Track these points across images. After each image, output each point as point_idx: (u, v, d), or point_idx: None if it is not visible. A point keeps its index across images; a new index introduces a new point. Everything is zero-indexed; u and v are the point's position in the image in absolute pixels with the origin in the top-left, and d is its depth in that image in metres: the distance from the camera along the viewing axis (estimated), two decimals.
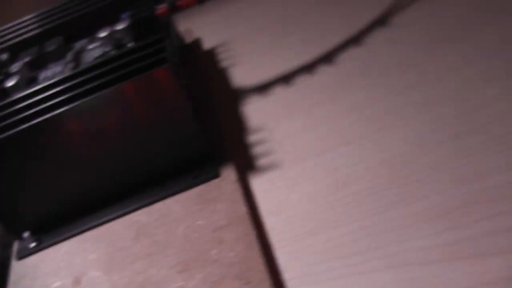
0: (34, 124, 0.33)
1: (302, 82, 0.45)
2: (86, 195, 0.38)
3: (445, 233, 0.31)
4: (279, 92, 0.45)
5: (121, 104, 0.34)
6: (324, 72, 0.45)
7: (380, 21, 0.48)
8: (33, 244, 0.37)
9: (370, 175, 0.35)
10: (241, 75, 0.48)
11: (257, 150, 0.40)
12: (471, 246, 0.30)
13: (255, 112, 0.43)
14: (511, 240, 0.29)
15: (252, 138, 0.41)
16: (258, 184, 0.37)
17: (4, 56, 0.43)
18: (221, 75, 0.49)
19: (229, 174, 0.37)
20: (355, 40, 0.47)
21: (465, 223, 0.31)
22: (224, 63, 0.51)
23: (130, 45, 0.39)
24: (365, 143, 0.38)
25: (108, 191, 0.38)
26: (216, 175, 0.37)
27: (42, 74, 0.40)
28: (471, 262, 0.29)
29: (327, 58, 0.46)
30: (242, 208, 0.35)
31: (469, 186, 0.33)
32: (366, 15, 0.49)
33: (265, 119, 0.42)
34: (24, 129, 0.33)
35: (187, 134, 0.36)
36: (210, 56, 0.53)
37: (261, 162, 0.39)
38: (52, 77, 0.37)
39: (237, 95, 0.46)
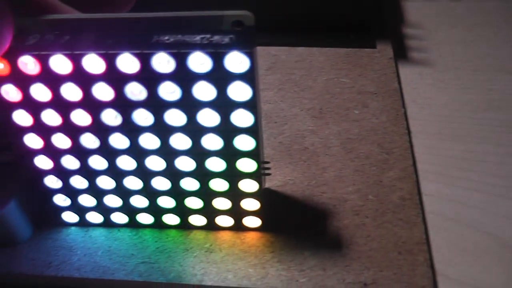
0: None
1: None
2: None
3: None
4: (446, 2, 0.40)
5: None
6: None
7: None
8: None
9: None
10: None
11: (412, 42, 0.36)
12: None
13: (417, 10, 0.39)
14: None
15: (408, 30, 0.37)
16: (407, 73, 0.33)
17: None
18: None
19: (385, 49, 0.33)
20: None
21: None
22: None
23: None
24: None
25: None
26: (372, 46, 0.33)
27: None
28: None
29: None
30: (393, 83, 0.31)
31: None
32: None
33: (425, 20, 0.38)
34: None
35: None
36: None
37: (414, 54, 0.35)
38: None
39: None
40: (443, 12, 0.39)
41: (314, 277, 0.23)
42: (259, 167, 0.22)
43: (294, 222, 0.25)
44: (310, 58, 0.32)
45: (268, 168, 0.25)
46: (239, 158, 0.22)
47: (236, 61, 0.19)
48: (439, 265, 0.25)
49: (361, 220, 0.25)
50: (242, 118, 0.20)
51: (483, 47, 0.36)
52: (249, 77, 0.19)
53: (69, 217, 0.26)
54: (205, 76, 0.19)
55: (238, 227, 0.25)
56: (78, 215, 0.26)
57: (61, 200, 0.25)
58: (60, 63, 0.20)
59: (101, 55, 0.19)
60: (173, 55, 0.19)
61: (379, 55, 0.33)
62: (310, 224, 0.25)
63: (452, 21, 0.38)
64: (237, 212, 0.24)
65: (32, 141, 0.23)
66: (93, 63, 0.20)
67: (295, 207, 0.26)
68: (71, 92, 0.21)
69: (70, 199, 0.25)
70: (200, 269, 0.24)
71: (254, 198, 0.24)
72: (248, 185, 0.23)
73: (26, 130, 0.22)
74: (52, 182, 0.24)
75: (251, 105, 0.20)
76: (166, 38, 0.19)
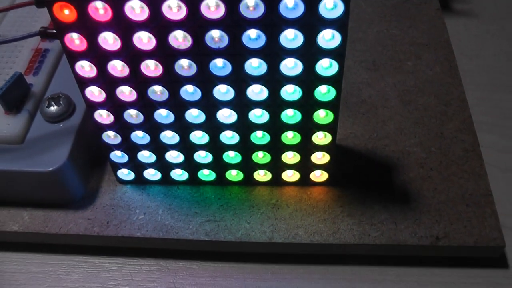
0: None
1: None
2: None
3: None
4: None
5: None
6: None
7: None
8: None
9: None
10: None
11: None
12: None
13: None
14: None
15: None
16: (452, 24, 0.33)
17: None
18: None
19: (431, 0, 0.32)
20: None
21: None
22: None
23: None
24: None
25: None
26: None
27: None
28: None
29: None
30: (444, 35, 0.30)
31: None
32: None
33: None
34: None
35: None
36: None
37: (457, 5, 0.34)
38: None
39: None
40: None
41: (386, 231, 0.23)
42: (336, 118, 0.21)
43: (360, 176, 0.25)
44: (357, 10, 0.31)
45: None
46: (317, 109, 0.21)
47: (330, 6, 0.18)
48: (501, 217, 0.25)
49: (427, 173, 0.25)
50: (327, 67, 0.20)
51: None
52: (341, 24, 0.18)
53: (125, 174, 0.25)
54: (295, 22, 0.18)
55: (304, 181, 0.25)
56: (134, 172, 0.25)
57: (118, 156, 0.24)
58: (135, 9, 0.19)
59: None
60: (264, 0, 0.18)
61: (426, 6, 0.32)
62: (376, 177, 0.25)
63: None
64: (305, 166, 0.24)
65: (94, 93, 0.22)
66: (174, 8, 0.18)
67: (359, 161, 0.25)
68: (144, 40, 0.20)
69: (128, 155, 0.24)
70: (269, 226, 0.24)
71: (325, 151, 0.23)
72: (321, 138, 0.22)
73: (88, 81, 0.21)
74: (111, 137, 0.23)
75: (338, 53, 0.19)
76: None
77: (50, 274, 0.24)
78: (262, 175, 0.24)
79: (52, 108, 0.25)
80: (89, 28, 0.19)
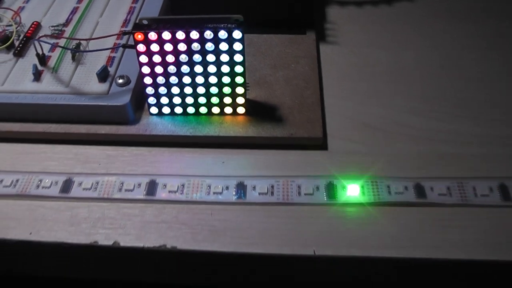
0: None
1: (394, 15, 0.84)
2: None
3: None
4: (353, 9, 0.84)
5: None
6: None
7: None
8: None
9: (391, 75, 0.75)
10: None
11: (329, 31, 0.79)
12: None
13: (334, 12, 0.83)
14: None
15: (328, 25, 0.80)
16: (324, 49, 0.76)
17: None
18: None
19: (311, 35, 0.76)
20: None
21: None
22: None
23: None
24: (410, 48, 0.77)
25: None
26: (303, 33, 0.77)
27: None
28: None
29: None
30: (315, 52, 0.74)
31: None
32: None
33: (338, 19, 0.82)
34: None
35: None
36: None
37: (329, 38, 0.78)
38: None
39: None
40: (349, 15, 0.83)
41: (269, 132, 0.66)
42: (244, 81, 0.65)
43: (260, 112, 0.68)
44: (270, 40, 0.75)
45: (248, 86, 0.68)
46: (236, 76, 0.64)
47: (237, 34, 0.62)
48: (329, 130, 0.67)
49: (291, 111, 0.67)
50: (239, 58, 0.63)
51: (370, 36, 0.80)
52: (242, 40, 0.62)
53: (154, 110, 0.68)
54: (225, 39, 0.62)
55: (234, 113, 0.67)
56: (158, 109, 0.68)
57: (151, 100, 0.67)
58: (166, 35, 0.62)
59: (184, 31, 0.62)
60: (213, 32, 0.61)
61: (307, 38, 0.76)
62: (267, 112, 0.68)
63: (354, 21, 0.82)
64: (234, 106, 0.67)
65: (146, 70, 0.65)
66: (180, 35, 0.62)
67: (260, 106, 0.68)
68: (168, 47, 0.63)
69: (156, 100, 0.67)
70: (218, 130, 0.66)
71: (242, 97, 0.66)
72: (239, 90, 0.66)
73: (144, 64, 0.64)
74: (149, 90, 0.67)
75: (243, 52, 0.63)
76: (210, 25, 0.62)
77: (118, 155, 0.66)
78: (215, 110, 0.67)
79: (120, 80, 0.68)
80: (148, 42, 0.63)
